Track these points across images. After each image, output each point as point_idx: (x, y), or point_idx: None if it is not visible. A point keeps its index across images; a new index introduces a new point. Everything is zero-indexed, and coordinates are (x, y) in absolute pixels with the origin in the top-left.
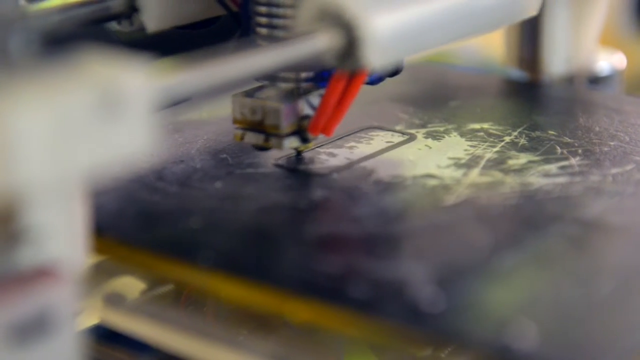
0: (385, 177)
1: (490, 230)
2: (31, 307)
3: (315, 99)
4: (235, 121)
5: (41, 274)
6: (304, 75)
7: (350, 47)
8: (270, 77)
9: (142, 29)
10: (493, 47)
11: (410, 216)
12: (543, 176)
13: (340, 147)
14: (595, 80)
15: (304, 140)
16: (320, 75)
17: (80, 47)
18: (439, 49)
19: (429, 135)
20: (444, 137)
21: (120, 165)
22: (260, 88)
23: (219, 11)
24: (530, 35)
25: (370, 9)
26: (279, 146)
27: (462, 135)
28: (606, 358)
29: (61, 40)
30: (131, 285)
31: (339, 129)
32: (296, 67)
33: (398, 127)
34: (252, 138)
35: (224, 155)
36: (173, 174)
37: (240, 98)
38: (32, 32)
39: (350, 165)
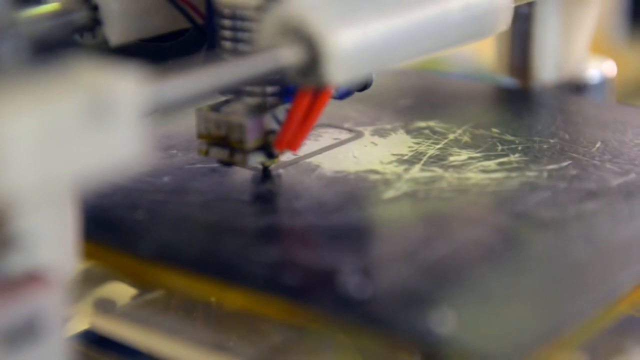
0: (328, 172)
1: (424, 222)
2: (21, 312)
3: (281, 113)
4: (199, 136)
5: (31, 280)
6: (270, 89)
7: (313, 62)
8: (236, 91)
9: (105, 41)
10: (484, 54)
11: (349, 209)
12: (481, 172)
13: (265, 170)
14: (585, 88)
15: (270, 155)
16: (286, 89)
17: (69, 53)
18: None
19: (375, 132)
20: (390, 134)
21: (109, 171)
22: (226, 102)
23: (185, 24)
24: (520, 42)
25: (333, 23)
26: (244, 162)
27: (407, 132)
28: (522, 344)
29: (51, 47)
30: (121, 291)
31: None
32: (260, 82)
33: (346, 125)
34: (216, 153)
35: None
36: None
37: (204, 112)
38: (22, 39)
39: (296, 161)
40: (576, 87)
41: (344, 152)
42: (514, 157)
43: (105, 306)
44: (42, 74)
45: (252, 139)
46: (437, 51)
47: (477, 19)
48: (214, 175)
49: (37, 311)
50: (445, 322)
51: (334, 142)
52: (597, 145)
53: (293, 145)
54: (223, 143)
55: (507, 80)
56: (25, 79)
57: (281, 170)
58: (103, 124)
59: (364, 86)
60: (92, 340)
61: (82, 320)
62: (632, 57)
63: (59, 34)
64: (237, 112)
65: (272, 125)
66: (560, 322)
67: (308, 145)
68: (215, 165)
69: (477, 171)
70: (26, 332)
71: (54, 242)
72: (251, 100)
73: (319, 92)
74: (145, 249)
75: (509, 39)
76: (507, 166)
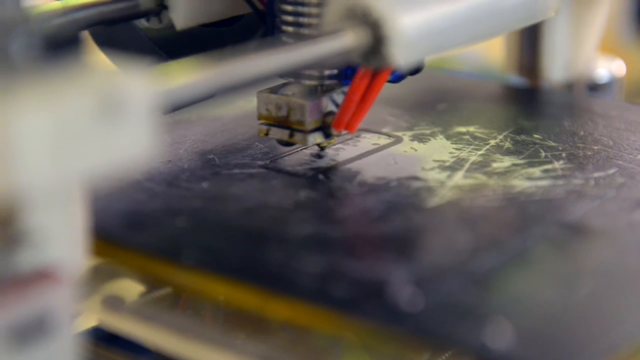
0: (369, 178)
1: (472, 232)
2: (30, 309)
3: (338, 96)
4: (260, 117)
5: (41, 277)
6: (327, 72)
7: (376, 45)
8: (295, 75)
9: (170, 26)
10: (493, 54)
11: (393, 217)
12: (526, 179)
13: (328, 148)
14: (595, 87)
15: (327, 136)
16: (343, 73)
17: (82, 51)
18: (441, 55)
19: (415, 137)
20: (429, 139)
21: (120, 169)
22: (284, 85)
23: (245, 9)
24: (530, 42)
25: (397, 7)
26: (304, 141)
27: (447, 138)
28: (581, 358)
29: (63, 44)
30: (130, 288)
31: None
32: (323, 64)
33: (385, 130)
34: (276, 133)
35: (212, 156)
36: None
37: (265, 94)
38: (34, 36)
39: (335, 167)
40: (586, 87)
41: (384, 158)
42: (558, 164)
43: (113, 303)
44: (55, 72)
45: (311, 120)
46: (492, 36)
47: (529, 5)
48: (252, 181)
49: (46, 308)
50: (502, 335)
51: (374, 147)
52: None
53: (351, 126)
54: (283, 124)
55: (516, 80)
56: (38, 77)
57: (321, 176)
58: (114, 122)
59: (416, 70)
60: (101, 337)
61: (91, 317)
62: None
63: (71, 31)
64: (297, 94)
65: (330, 107)
66: (618, 338)
67: (347, 151)
68: (254, 170)
69: (521, 178)
70: (35, 328)
71: (64, 239)
72: (309, 83)
73: (376, 75)
74: (187, 257)
75: (518, 38)
76: (552, 174)
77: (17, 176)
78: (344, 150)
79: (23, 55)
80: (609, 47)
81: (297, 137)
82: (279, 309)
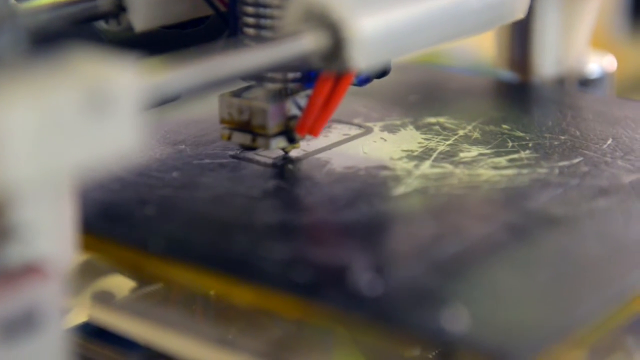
0: (338, 168)
1: (436, 219)
2: (19, 304)
3: (302, 99)
4: (222, 121)
5: (29, 271)
6: (291, 75)
7: (336, 48)
8: (258, 78)
9: (129, 28)
10: (484, 49)
11: (359, 205)
12: (492, 168)
13: (286, 154)
14: (586, 83)
15: (291, 140)
16: (307, 75)
17: (69, 45)
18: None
19: (385, 128)
20: (399, 130)
21: (108, 163)
22: (247, 88)
23: (207, 11)
24: (520, 36)
25: (357, 10)
26: (266, 146)
27: (417, 128)
28: (534, 341)
29: (50, 39)
30: (120, 283)
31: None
32: (283, 68)
33: (356, 120)
34: (239, 138)
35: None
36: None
37: (227, 98)
38: (21, 31)
39: (305, 156)
40: (577, 82)
41: (353, 148)
42: (524, 154)
43: (104, 298)
44: (41, 66)
45: (274, 124)
46: (456, 38)
47: (495, 7)
48: (222, 170)
49: (35, 303)
50: (458, 320)
51: (344, 138)
52: (609, 141)
53: (314, 130)
54: (245, 128)
55: (507, 75)
56: (24, 71)
57: (290, 166)
58: (101, 116)
59: (383, 73)
60: (91, 332)
61: (81, 313)
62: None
63: (60, 24)
64: (259, 97)
65: (294, 110)
66: (573, 321)
67: (318, 141)
68: (224, 160)
69: (487, 168)
70: (24, 323)
71: (52, 233)
72: (272, 86)
73: (340, 78)
74: (154, 244)
75: (509, 33)
76: (517, 163)
77: (4, 170)
78: (314, 140)
79: (10, 50)
80: (600, 43)
81: (260, 141)
82: (243, 294)
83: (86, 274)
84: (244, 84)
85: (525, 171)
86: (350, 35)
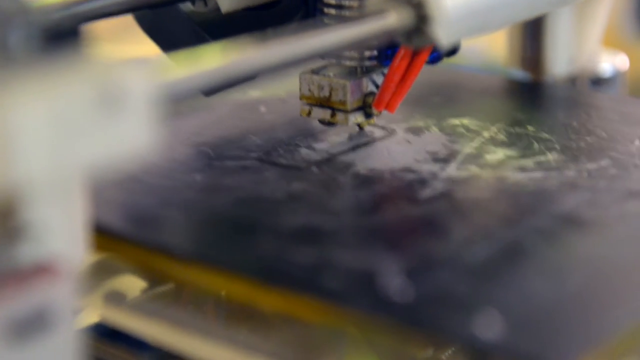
0: (363, 170)
1: (464, 223)
2: (30, 303)
3: (377, 77)
4: (302, 97)
5: (40, 271)
6: (367, 54)
7: (420, 24)
8: (335, 56)
9: (215, 9)
10: (496, 48)
11: (385, 209)
12: (519, 171)
13: (322, 141)
14: (598, 82)
15: (368, 115)
16: (383, 53)
17: (81, 42)
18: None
19: (409, 130)
20: (423, 132)
21: (119, 162)
22: (325, 66)
23: None
24: (533, 35)
25: None
26: (345, 121)
27: (441, 130)
28: (570, 348)
29: (63, 36)
30: (131, 283)
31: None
32: (365, 45)
33: (379, 122)
34: (318, 113)
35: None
36: None
37: (307, 75)
38: (33, 28)
39: (329, 159)
40: (589, 81)
41: (377, 150)
42: (551, 156)
43: (115, 298)
44: (54, 64)
45: (353, 100)
46: (530, 16)
47: None
48: (246, 173)
49: (47, 302)
50: (492, 326)
51: (368, 139)
52: (636, 143)
53: (391, 105)
54: (325, 104)
55: (520, 74)
56: (37, 69)
57: (314, 168)
58: (114, 114)
59: (453, 51)
60: (102, 332)
61: (93, 313)
62: None
63: (71, 24)
64: (338, 74)
65: (370, 87)
66: (608, 327)
67: (341, 143)
68: (247, 162)
69: (514, 170)
70: (36, 323)
71: (64, 232)
72: (350, 64)
73: (415, 55)
74: (179, 248)
75: (521, 32)
76: (545, 165)
77: (17, 169)
78: (337, 142)
79: (22, 47)
80: (612, 42)
81: (339, 116)
82: (271, 299)
83: (98, 274)
84: (321, 63)
85: (553, 174)
86: (434, 12)
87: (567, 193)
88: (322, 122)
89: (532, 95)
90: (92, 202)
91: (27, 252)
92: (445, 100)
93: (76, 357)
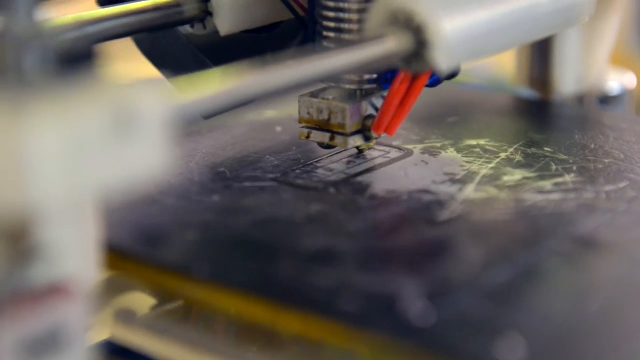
0: (380, 192)
1: (484, 246)
2: (44, 323)
3: (377, 100)
4: (301, 120)
5: (54, 291)
6: (366, 77)
7: (419, 49)
8: (335, 79)
9: (214, 32)
10: (504, 67)
11: (405, 231)
12: (538, 193)
13: (338, 162)
14: (606, 100)
15: (367, 139)
16: (383, 77)
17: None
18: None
19: (425, 151)
20: (440, 152)
21: (133, 184)
22: (324, 89)
23: (287, 15)
24: (541, 54)
25: (440, 12)
26: (345, 144)
27: (458, 151)
28: None
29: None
30: (142, 301)
31: None
32: (365, 69)
33: (395, 143)
34: (317, 137)
35: (223, 169)
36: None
37: (307, 98)
38: (47, 50)
39: (346, 180)
40: (597, 99)
41: (395, 171)
42: (569, 178)
43: (125, 317)
44: (68, 86)
45: (352, 123)
46: (529, 40)
47: (565, 10)
48: (263, 194)
49: (60, 322)
50: (514, 350)
51: (385, 160)
52: None
53: (391, 129)
54: (324, 127)
55: (528, 93)
56: (51, 91)
57: (332, 190)
58: (128, 137)
59: (452, 74)
60: (113, 350)
61: (103, 331)
62: None
63: (85, 45)
64: (338, 98)
65: (370, 110)
66: (631, 351)
67: (358, 164)
68: (265, 183)
69: (533, 192)
70: (49, 343)
71: (77, 254)
72: (349, 87)
73: (415, 79)
74: (198, 270)
75: (530, 51)
76: (563, 187)
77: (30, 191)
78: (354, 163)
79: (36, 70)
80: (620, 60)
81: (338, 140)
82: (290, 322)
83: (107, 292)
84: (321, 86)
85: (571, 196)
86: (433, 38)
87: (585, 215)
88: (321, 145)
89: (544, 114)
90: (107, 222)
91: (41, 273)
92: (460, 121)
93: None
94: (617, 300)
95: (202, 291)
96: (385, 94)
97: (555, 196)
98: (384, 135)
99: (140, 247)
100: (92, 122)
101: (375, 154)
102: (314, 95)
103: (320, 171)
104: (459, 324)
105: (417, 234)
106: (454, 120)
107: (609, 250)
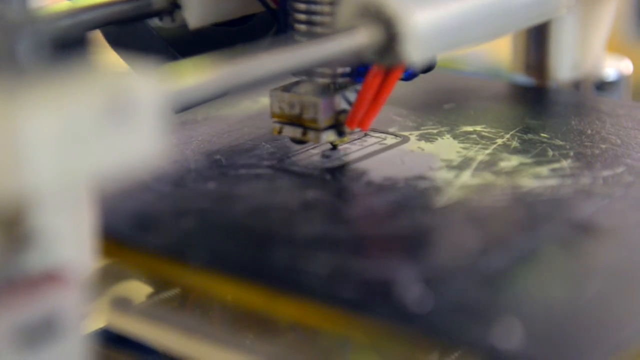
0: (377, 178)
1: (480, 231)
2: (38, 310)
3: (350, 94)
4: (273, 115)
5: (49, 278)
6: (340, 70)
7: (390, 42)
8: (307, 73)
9: (183, 25)
10: (500, 53)
11: (401, 217)
12: (534, 178)
13: (334, 148)
14: (602, 86)
15: (340, 134)
16: (356, 70)
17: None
18: (446, 55)
19: (422, 137)
20: (436, 139)
21: (127, 170)
22: (297, 83)
23: (258, 8)
24: (537, 41)
25: (411, 5)
26: (317, 139)
27: (454, 137)
28: (590, 357)
29: (71, 45)
30: (138, 289)
31: None
32: (336, 62)
33: (392, 129)
34: (290, 131)
35: (218, 157)
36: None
37: (278, 92)
38: (41, 37)
39: (343, 167)
40: (593, 86)
41: (391, 158)
42: (566, 163)
43: (122, 304)
44: (62, 73)
45: (324, 118)
46: (504, 33)
47: (540, 2)
48: (259, 181)
49: (55, 310)
50: (512, 335)
51: (381, 147)
52: None
53: (364, 123)
54: (296, 122)
55: (524, 79)
56: (45, 78)
57: (328, 176)
58: (122, 123)
59: (428, 68)
60: (109, 338)
61: (99, 319)
62: None
63: (78, 32)
64: (310, 92)
65: (343, 104)
66: (628, 335)
67: (354, 151)
68: (261, 170)
69: (529, 178)
70: (44, 330)
71: (72, 240)
72: (322, 81)
73: (389, 73)
74: (194, 257)
75: (525, 37)
76: (560, 172)
77: (25, 177)
78: (350, 150)
79: (30, 57)
80: (616, 46)
81: (310, 135)
82: (286, 309)
83: (104, 280)
84: (293, 80)
85: (568, 181)
86: (404, 30)
87: (582, 200)
88: (293, 140)
89: (541, 100)
90: (102, 209)
91: (36, 259)
92: (456, 107)
93: None
94: (614, 285)
95: (198, 278)
96: (359, 87)
97: (552, 182)
98: (380, 121)
99: (136, 234)
100: (86, 108)
101: (372, 140)
102: (286, 89)
103: (316, 158)
104: (455, 310)
105: (414, 220)
106: (450, 106)
107: (606, 235)
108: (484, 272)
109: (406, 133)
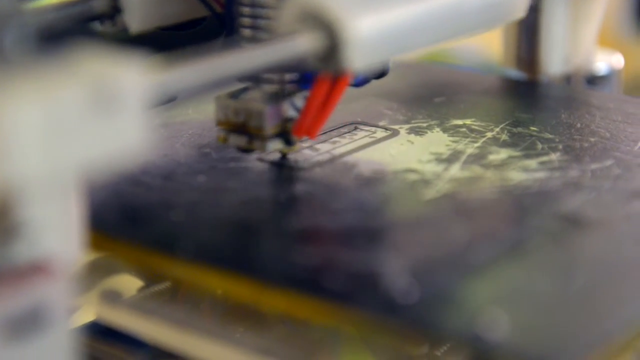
0: (366, 171)
1: (468, 224)
2: (25, 302)
3: (299, 100)
4: (218, 123)
5: (35, 270)
6: (288, 77)
7: (332, 49)
8: (254, 79)
9: (124, 29)
10: (491, 47)
11: (389, 210)
12: (523, 171)
13: (324, 142)
14: (593, 80)
15: (288, 142)
16: (304, 77)
17: (75, 43)
18: (437, 48)
19: (411, 130)
20: (426, 132)
21: (114, 161)
22: (244, 90)
23: (204, 12)
24: (528, 35)
25: (353, 10)
26: (263, 148)
27: (444, 131)
28: (575, 348)
29: (56, 37)
30: (128, 282)
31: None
32: (280, 69)
33: (381, 123)
34: (235, 140)
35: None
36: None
37: (223, 99)
38: (27, 29)
39: (332, 160)
40: (584, 80)
41: (380, 151)
42: (555, 156)
43: (111, 297)
44: (48, 64)
45: (270, 126)
46: (455, 38)
47: (494, 6)
48: (248, 174)
49: (41, 301)
50: (497, 326)
51: (370, 140)
52: (639, 143)
53: (311, 132)
54: (242, 130)
55: (515, 73)
56: (31, 69)
57: (317, 169)
58: (108, 114)
59: (381, 74)
60: (98, 331)
61: (88, 312)
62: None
63: (65, 24)
64: (256, 99)
65: (290, 112)
66: (613, 327)
67: (344, 144)
68: (250, 164)
69: (518, 171)
70: (31, 322)
71: (59, 231)
72: (269, 88)
73: (337, 79)
74: (182, 249)
75: (516, 31)
76: (548, 165)
77: (11, 168)
78: (340, 143)
79: (17, 48)
80: (607, 41)
81: (256, 143)
82: (274, 301)
83: (93, 272)
84: (241, 85)
85: (556, 174)
86: (346, 36)
87: (570, 193)
88: (239, 149)
89: (531, 94)
90: (91, 202)
91: (22, 251)
92: (446, 101)
93: (71, 356)
94: (601, 277)
95: (188, 271)
96: (308, 94)
97: (541, 174)
98: (370, 115)
99: (125, 227)
100: (72, 99)
101: (361, 134)
102: (231, 95)
103: (306, 151)
104: (443, 301)
105: (402, 213)
106: (440, 100)
107: (594, 227)
108: (471, 264)
109: (396, 126)
